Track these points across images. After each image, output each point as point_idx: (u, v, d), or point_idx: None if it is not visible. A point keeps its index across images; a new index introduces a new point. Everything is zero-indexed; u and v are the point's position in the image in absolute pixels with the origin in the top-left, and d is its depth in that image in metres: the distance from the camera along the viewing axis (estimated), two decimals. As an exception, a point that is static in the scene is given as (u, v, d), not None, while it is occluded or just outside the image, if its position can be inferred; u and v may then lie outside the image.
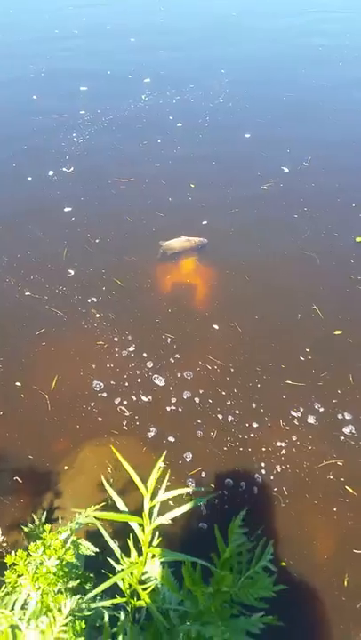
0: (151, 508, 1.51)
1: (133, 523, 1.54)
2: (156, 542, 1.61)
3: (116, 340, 3.84)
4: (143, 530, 1.53)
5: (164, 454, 1.77)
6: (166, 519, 1.45)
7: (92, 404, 3.43)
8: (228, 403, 3.44)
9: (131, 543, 1.66)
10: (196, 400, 3.46)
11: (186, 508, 1.50)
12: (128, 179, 5.63)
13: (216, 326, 3.96)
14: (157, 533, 1.63)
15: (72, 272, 4.43)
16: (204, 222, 5.00)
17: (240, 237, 4.84)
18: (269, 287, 4.30)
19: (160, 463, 1.54)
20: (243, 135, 6.46)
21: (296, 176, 5.67)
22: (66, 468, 3.08)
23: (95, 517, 1.98)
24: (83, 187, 5.49)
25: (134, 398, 3.47)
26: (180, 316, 4.04)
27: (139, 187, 5.54)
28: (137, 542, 1.62)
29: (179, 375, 3.60)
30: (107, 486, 1.68)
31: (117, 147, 6.23)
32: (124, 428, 3.29)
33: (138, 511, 1.60)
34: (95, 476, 3.02)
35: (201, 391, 3.51)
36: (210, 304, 4.14)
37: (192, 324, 3.98)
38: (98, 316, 4.03)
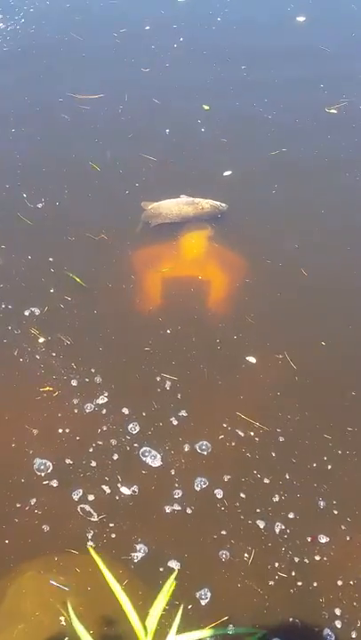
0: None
1: None
2: None
3: (74, 383, 3.87)
4: None
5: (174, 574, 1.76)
6: None
7: (33, 501, 3.43)
8: (276, 498, 3.43)
9: None
10: (218, 493, 3.45)
11: None
12: (94, 95, 5.69)
13: (252, 359, 4.00)
14: None
15: (-4, 262, 4.52)
16: (227, 173, 5.09)
17: (289, 200, 4.89)
18: (345, 290, 4.37)
19: (170, 581, 1.53)
20: (293, 18, 6.56)
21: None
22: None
23: None
24: (14, 110, 5.57)
25: (107, 490, 3.47)
26: (187, 340, 4.08)
27: (112, 109, 5.57)
28: None
29: (186, 448, 3.61)
30: (72, 615, 1.64)
31: (74, 38, 6.30)
32: (90, 542, 3.30)
33: None
34: (40, 625, 3.06)
35: (226, 477, 3.51)
36: (239, 319, 4.19)
37: (208, 354, 4.02)
38: (42, 340, 4.07)
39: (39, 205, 4.81)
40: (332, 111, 5.56)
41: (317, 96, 5.69)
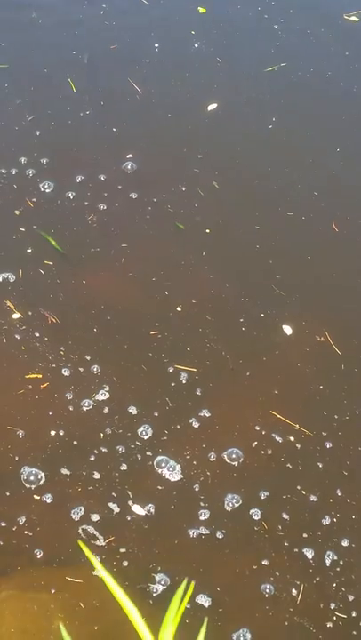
0: None
1: None
2: None
3: (65, 373, 3.87)
4: None
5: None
6: None
7: (22, 520, 3.44)
8: (326, 521, 3.51)
9: None
10: (254, 514, 3.51)
11: None
12: None
13: (285, 340, 4.05)
14: None
15: None
16: (212, 106, 5.20)
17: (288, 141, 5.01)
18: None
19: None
20: None
21: None
22: None
23: None
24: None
25: (115, 509, 3.49)
26: (202, 320, 4.14)
27: (93, 8, 5.60)
28: None
29: (211, 457, 3.65)
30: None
31: None
32: (99, 552, 3.33)
33: None
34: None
35: (263, 494, 3.56)
36: (264, 290, 4.27)
37: (231, 338, 4.08)
38: (18, 316, 4.06)
39: None
40: (353, 19, 5.64)
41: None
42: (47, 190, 4.56)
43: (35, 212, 4.51)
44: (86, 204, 4.55)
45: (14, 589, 3.24)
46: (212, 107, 5.16)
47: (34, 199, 4.53)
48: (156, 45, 5.44)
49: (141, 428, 3.70)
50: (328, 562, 3.40)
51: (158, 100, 5.20)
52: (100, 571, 1.75)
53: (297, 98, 5.29)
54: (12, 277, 4.19)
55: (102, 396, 3.79)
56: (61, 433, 3.68)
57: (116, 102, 5.15)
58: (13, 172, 4.62)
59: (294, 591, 3.33)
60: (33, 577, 3.29)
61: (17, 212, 4.49)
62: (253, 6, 5.76)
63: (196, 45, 5.47)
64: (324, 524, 3.50)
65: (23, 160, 4.67)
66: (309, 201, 4.72)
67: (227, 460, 3.64)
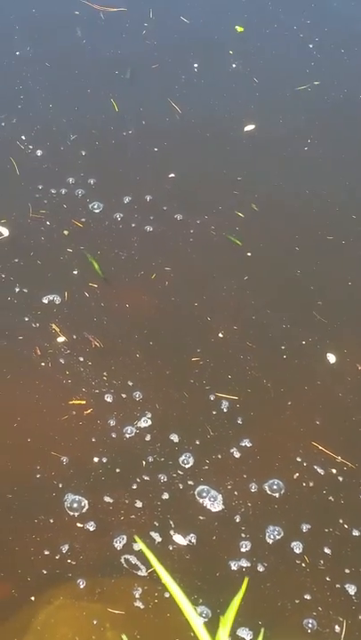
0: None
1: None
2: None
3: (108, 399, 3.83)
4: None
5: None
6: None
7: (65, 548, 3.39)
8: None
9: None
10: (296, 547, 3.43)
11: None
12: (114, 7, 5.71)
13: (326, 371, 3.99)
14: None
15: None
16: (249, 127, 5.13)
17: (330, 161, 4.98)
18: None
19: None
20: None
21: None
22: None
23: None
24: (19, 24, 5.59)
25: (157, 538, 3.43)
26: (244, 346, 4.06)
27: (135, 27, 5.60)
28: None
29: (253, 488, 3.58)
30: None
31: None
32: (138, 603, 3.26)
33: None
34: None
35: (305, 527, 3.48)
36: (305, 316, 4.20)
37: (273, 366, 4.01)
38: (63, 339, 4.01)
39: (38, 153, 4.83)
40: None
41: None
42: (96, 211, 4.56)
43: (83, 233, 4.50)
44: (133, 225, 4.53)
45: (70, 601, 3.27)
46: (249, 127, 5.12)
47: (83, 219, 4.53)
48: (195, 65, 5.44)
49: (183, 457, 3.65)
50: (371, 600, 3.36)
51: (197, 120, 5.17)
52: (158, 568, 1.82)
53: (331, 119, 5.26)
54: (57, 299, 4.17)
55: (144, 423, 3.75)
56: (104, 460, 3.64)
57: (157, 122, 5.15)
58: (63, 192, 4.62)
59: (337, 628, 3.26)
60: (75, 608, 3.26)
61: (65, 233, 4.49)
62: (290, 25, 5.74)
63: (233, 65, 5.48)
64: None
65: (71, 180, 4.68)
66: (348, 224, 4.67)
67: (268, 492, 3.58)
